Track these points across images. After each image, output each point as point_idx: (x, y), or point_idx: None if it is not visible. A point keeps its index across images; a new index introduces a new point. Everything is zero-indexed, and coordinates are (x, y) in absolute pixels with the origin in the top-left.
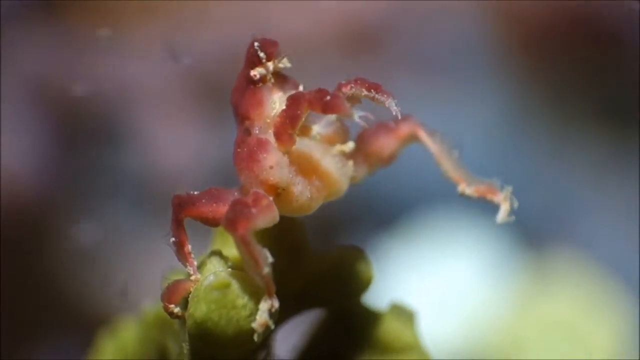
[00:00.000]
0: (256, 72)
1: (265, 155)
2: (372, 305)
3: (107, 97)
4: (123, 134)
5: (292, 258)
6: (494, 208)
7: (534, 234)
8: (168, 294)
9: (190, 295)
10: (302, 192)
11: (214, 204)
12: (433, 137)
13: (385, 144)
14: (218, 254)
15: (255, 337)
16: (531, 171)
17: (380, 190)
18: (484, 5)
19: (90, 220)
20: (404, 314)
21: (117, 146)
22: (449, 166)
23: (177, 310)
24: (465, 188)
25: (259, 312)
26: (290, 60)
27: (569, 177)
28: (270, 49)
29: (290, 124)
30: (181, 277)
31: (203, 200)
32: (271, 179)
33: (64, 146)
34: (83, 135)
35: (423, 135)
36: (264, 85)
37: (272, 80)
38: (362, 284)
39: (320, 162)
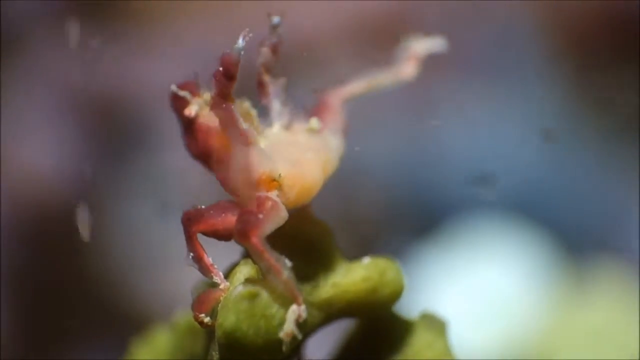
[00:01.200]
0: (190, 110)
1: (244, 158)
2: (403, 315)
3: (132, 99)
4: (147, 135)
5: (321, 267)
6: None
7: (574, 242)
8: (198, 304)
9: (219, 305)
10: (297, 170)
11: (223, 215)
12: (352, 85)
13: (332, 115)
14: (247, 263)
15: (284, 347)
16: (576, 178)
17: (418, 198)
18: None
19: (119, 222)
20: (435, 324)
21: (142, 147)
22: (379, 82)
23: (207, 320)
24: (404, 72)
25: (287, 322)
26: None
27: (613, 186)
28: (189, 87)
29: (231, 120)
30: (211, 286)
31: (211, 212)
32: (261, 170)
33: (94, 148)
34: (111, 138)
35: (347, 91)
36: (204, 118)
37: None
38: (393, 295)
39: (299, 143)
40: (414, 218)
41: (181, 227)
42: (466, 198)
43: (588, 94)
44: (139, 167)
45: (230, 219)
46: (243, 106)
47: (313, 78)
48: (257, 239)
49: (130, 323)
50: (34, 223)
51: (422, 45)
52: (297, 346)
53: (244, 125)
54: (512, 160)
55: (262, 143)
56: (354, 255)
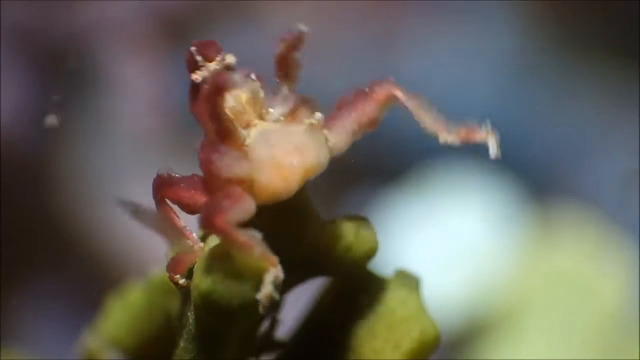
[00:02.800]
0: (197, 76)
1: (217, 155)
2: (377, 272)
3: (81, 39)
4: (97, 75)
5: (295, 226)
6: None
7: (538, 183)
8: (173, 265)
9: (195, 266)
10: (272, 177)
11: (193, 191)
12: (410, 96)
13: (364, 109)
14: None
15: (261, 309)
16: (538, 116)
17: (383, 145)
18: None
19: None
20: (409, 282)
21: (93, 87)
22: (428, 120)
23: (182, 281)
24: (447, 136)
25: (264, 284)
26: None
27: (575, 123)
28: (207, 50)
29: (215, 118)
30: (186, 247)
31: (182, 185)
32: (231, 176)
33: (41, 91)
34: (59, 79)
35: (400, 95)
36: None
37: None
38: (368, 252)
39: (289, 142)
40: (380, 166)
41: (138, 168)
42: (431, 144)
43: (548, 27)
44: (87, 108)
45: (199, 199)
46: (253, 87)
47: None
48: (222, 224)
49: (91, 256)
50: None
51: (483, 138)
52: (272, 306)
53: (227, 122)
54: (476, 103)
55: (250, 133)
56: (324, 207)
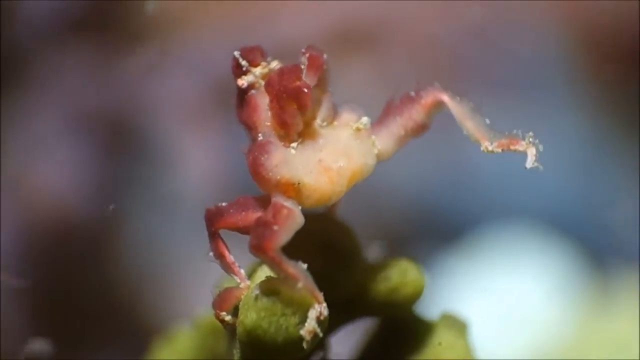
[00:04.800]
0: (243, 81)
1: (266, 156)
2: (424, 315)
3: (142, 114)
4: (159, 149)
5: (342, 265)
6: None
7: (599, 253)
8: (219, 302)
9: (240, 303)
10: (319, 179)
11: (243, 213)
12: (456, 101)
13: (411, 114)
14: None
15: (305, 345)
16: (603, 189)
17: (445, 205)
18: (561, 22)
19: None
20: (456, 325)
21: (154, 161)
22: (472, 127)
23: (228, 318)
24: (488, 145)
25: (308, 320)
26: (280, 61)
27: (634, 192)
28: (252, 55)
29: (279, 118)
30: (232, 284)
31: (231, 211)
32: (279, 177)
33: (106, 164)
34: (123, 153)
35: (447, 100)
36: (256, 92)
37: (263, 84)
38: (414, 294)
39: (336, 145)
40: (440, 227)
41: (197, 235)
42: (492, 208)
43: (616, 108)
44: (149, 181)
45: (250, 217)
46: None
47: None
48: (272, 252)
49: (150, 330)
50: (52, 243)
51: (523, 148)
52: (318, 345)
53: (290, 121)
54: (539, 171)
55: (299, 137)
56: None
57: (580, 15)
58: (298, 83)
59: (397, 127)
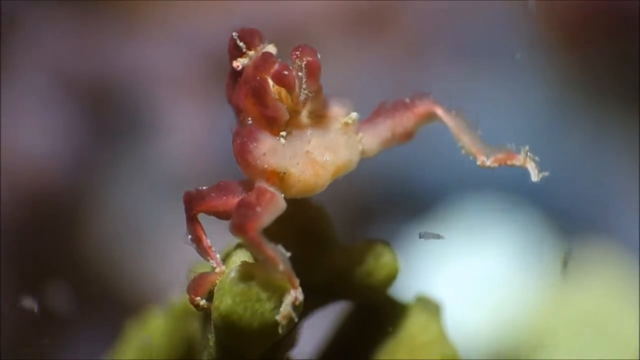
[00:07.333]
0: (239, 63)
1: (255, 144)
2: (398, 297)
3: (127, 83)
4: (143, 119)
5: (317, 250)
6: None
7: (567, 225)
8: (194, 287)
9: (215, 288)
10: (304, 171)
11: (224, 197)
12: (450, 115)
13: (402, 120)
14: (243, 247)
15: (280, 330)
16: (568, 161)
17: (412, 179)
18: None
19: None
20: (430, 307)
21: (137, 130)
22: (467, 141)
23: (202, 302)
24: (485, 160)
25: (283, 305)
26: (277, 45)
27: (605, 168)
28: (250, 38)
29: (262, 104)
30: (207, 269)
31: (212, 195)
32: (266, 166)
33: (88, 131)
34: (106, 121)
35: (441, 112)
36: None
37: None
38: (388, 278)
39: (324, 138)
40: (407, 201)
41: (177, 210)
42: (461, 179)
43: (584, 76)
44: (132, 150)
45: (230, 201)
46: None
47: None
48: (254, 233)
49: (125, 305)
50: (31, 206)
51: (521, 162)
52: (292, 328)
53: (274, 110)
54: (504, 142)
55: (287, 127)
56: (349, 238)
57: None
58: (276, 67)
59: (385, 129)
